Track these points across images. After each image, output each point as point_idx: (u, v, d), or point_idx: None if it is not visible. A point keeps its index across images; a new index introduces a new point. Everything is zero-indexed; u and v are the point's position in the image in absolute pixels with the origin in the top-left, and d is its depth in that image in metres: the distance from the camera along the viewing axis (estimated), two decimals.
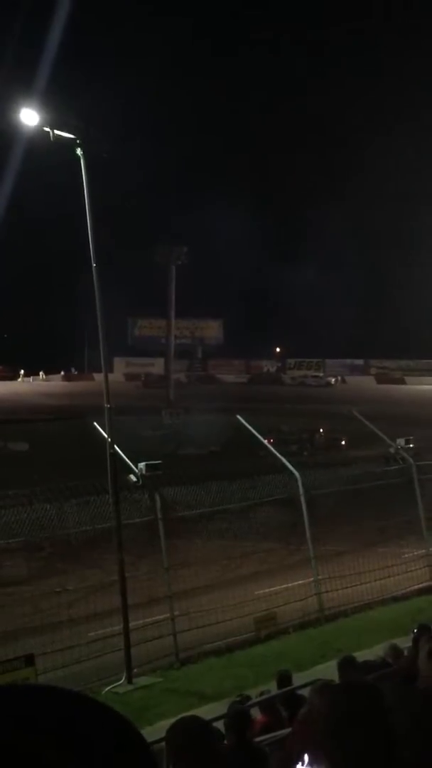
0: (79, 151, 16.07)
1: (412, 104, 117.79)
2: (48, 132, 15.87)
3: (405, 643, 10.93)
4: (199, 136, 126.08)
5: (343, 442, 38.13)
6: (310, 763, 2.28)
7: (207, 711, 10.75)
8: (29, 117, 16.14)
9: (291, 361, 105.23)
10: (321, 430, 43.31)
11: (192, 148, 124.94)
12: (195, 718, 4.84)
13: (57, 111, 16.37)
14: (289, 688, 10.84)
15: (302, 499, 19.24)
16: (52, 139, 15.88)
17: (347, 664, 9.57)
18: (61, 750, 0.99)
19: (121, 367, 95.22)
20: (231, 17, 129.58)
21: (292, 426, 43.89)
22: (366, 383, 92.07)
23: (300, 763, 2.32)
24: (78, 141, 16.01)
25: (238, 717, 7.41)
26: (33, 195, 75.83)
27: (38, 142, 16.63)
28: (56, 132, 15.85)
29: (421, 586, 20.21)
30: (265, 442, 21.15)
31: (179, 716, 5.01)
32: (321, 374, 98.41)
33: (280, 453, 20.69)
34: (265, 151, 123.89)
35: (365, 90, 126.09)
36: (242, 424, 21.85)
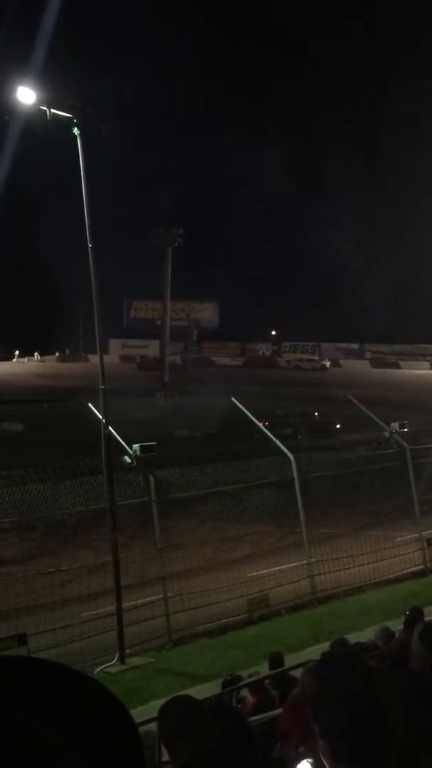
0: (75, 131, 15.98)
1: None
2: (44, 111, 15.79)
3: (397, 626, 10.98)
4: (196, 115, 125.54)
5: (338, 426, 38.17)
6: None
7: (199, 691, 10.80)
8: (26, 95, 16.05)
9: (286, 345, 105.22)
10: (316, 414, 43.33)
11: (190, 127, 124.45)
12: (187, 698, 4.85)
13: (54, 89, 16.27)
14: (280, 669, 10.89)
15: (296, 481, 19.27)
16: (48, 118, 15.80)
17: (339, 647, 9.62)
18: (39, 719, 0.99)
19: (116, 348, 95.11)
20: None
21: (288, 409, 43.91)
22: (361, 367, 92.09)
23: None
24: (74, 120, 15.92)
25: (219, 706, 7.43)
26: (29, 175, 75.47)
27: (35, 120, 16.53)
28: (53, 111, 15.76)
29: (413, 569, 20.28)
30: (260, 425, 21.14)
31: (171, 696, 5.03)
32: (316, 358, 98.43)
33: (275, 436, 20.69)
34: (259, 136, 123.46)
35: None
36: (237, 406, 21.84)
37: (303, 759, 3.88)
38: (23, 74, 17.01)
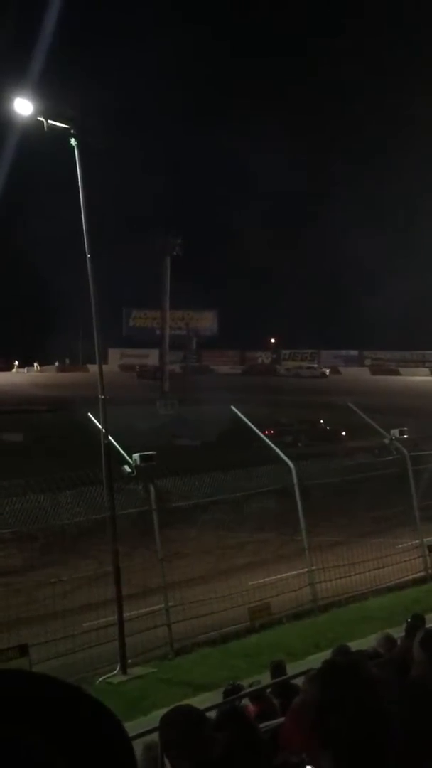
0: (73, 142, 16.02)
1: None
2: (42, 122, 15.82)
3: (399, 633, 10.96)
4: (194, 126, 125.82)
5: (344, 433, 38.15)
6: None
7: (201, 701, 10.78)
8: (23, 107, 16.08)
9: (286, 352, 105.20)
10: (321, 421, 43.28)
11: (188, 137, 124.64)
12: (189, 708, 4.85)
13: (51, 101, 16.30)
14: (282, 677, 10.86)
15: (296, 489, 19.26)
16: (46, 129, 15.83)
17: (341, 654, 9.60)
18: (32, 732, 0.99)
19: (115, 358, 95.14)
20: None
21: (291, 417, 43.90)
22: (360, 374, 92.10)
23: None
24: (72, 131, 15.96)
25: (232, 714, 7.42)
26: (27, 185, 75.61)
27: (33, 132, 16.56)
28: (50, 122, 15.79)
29: (415, 576, 20.27)
30: (260, 433, 21.11)
31: (173, 706, 5.02)
32: (315, 365, 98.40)
33: (276, 444, 20.69)
34: (259, 145, 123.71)
35: None
36: (237, 415, 21.85)
37: (306, 766, 3.87)
38: (20, 85, 17.05)
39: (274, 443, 20.60)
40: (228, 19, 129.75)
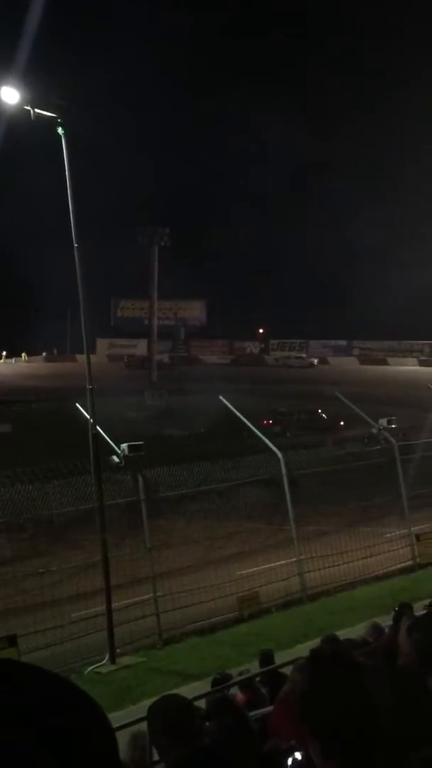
0: (60, 130, 15.95)
1: None
2: (29, 110, 15.74)
3: (387, 621, 11.00)
4: (184, 114, 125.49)
5: (342, 423, 38.12)
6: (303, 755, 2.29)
7: (190, 690, 10.81)
8: (10, 95, 15.99)
9: (274, 342, 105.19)
10: (320, 411, 43.16)
11: (177, 125, 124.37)
12: (176, 697, 4.86)
13: (38, 89, 16.22)
14: (271, 666, 10.90)
15: (284, 479, 19.29)
16: (32, 117, 15.75)
17: (329, 643, 9.63)
18: (10, 722, 0.98)
19: (103, 348, 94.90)
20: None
21: (290, 407, 43.83)
22: (349, 364, 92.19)
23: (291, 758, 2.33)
24: (59, 120, 15.88)
25: (222, 703, 7.43)
26: (13, 174, 75.30)
27: (20, 120, 16.47)
28: (37, 111, 15.72)
29: (402, 565, 20.34)
30: (248, 423, 21.09)
31: (161, 695, 5.02)
32: (304, 355, 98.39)
33: (264, 434, 20.71)
34: (247, 134, 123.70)
35: None
36: (225, 405, 21.84)
37: (294, 753, 3.88)
38: (7, 74, 16.95)
39: (262, 433, 20.61)
40: (217, 10, 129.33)
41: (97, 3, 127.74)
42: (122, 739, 8.61)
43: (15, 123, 16.66)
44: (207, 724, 6.88)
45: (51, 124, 15.94)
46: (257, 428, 21.19)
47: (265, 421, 37.11)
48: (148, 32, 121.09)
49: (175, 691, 10.31)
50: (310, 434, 35.41)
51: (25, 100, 15.81)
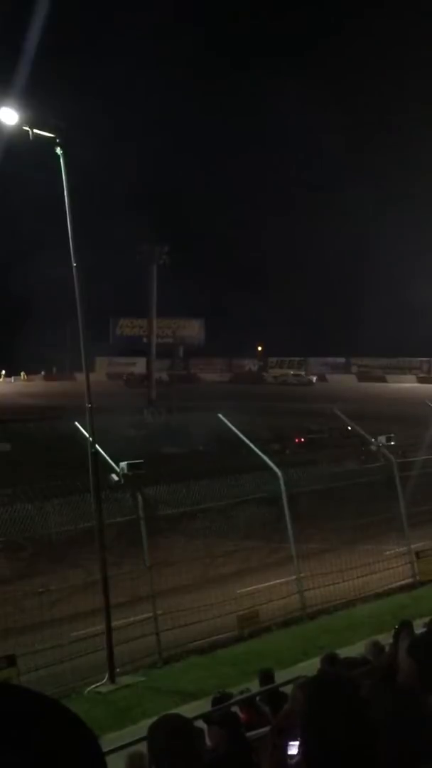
0: (58, 150, 16.02)
1: None
2: (27, 131, 15.81)
3: (387, 639, 10.97)
4: (182, 132, 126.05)
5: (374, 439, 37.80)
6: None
7: (190, 709, 10.77)
8: (8, 116, 16.07)
9: (273, 360, 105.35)
10: (349, 428, 42.67)
11: (176, 146, 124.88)
12: (177, 716, 4.85)
13: (37, 110, 16.30)
14: (271, 685, 10.87)
15: (284, 496, 19.28)
16: (31, 138, 15.82)
17: (330, 662, 9.61)
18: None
19: (103, 366, 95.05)
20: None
21: (321, 424, 43.38)
22: (347, 381, 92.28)
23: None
24: (57, 140, 15.96)
25: (229, 716, 7.43)
26: (11, 193, 75.54)
27: (18, 141, 16.55)
28: (35, 131, 15.79)
29: (402, 583, 20.28)
30: (246, 440, 21.05)
31: (161, 714, 5.02)
32: (302, 373, 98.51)
33: (263, 452, 20.71)
34: (244, 152, 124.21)
35: None
36: (224, 422, 21.84)
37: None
38: (5, 94, 17.04)
39: (261, 451, 20.62)
40: (217, 27, 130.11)
41: (97, 23, 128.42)
42: (120, 760, 8.58)
43: (14, 143, 16.75)
44: (207, 741, 6.87)
45: (49, 144, 16.02)
46: (260, 447, 21.17)
47: (297, 439, 36.96)
48: (147, 52, 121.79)
49: (175, 710, 10.29)
50: (311, 452, 35.37)
51: (23, 121, 15.89)
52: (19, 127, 15.92)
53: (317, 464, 25.09)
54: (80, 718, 1.12)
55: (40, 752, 1.02)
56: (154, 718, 4.55)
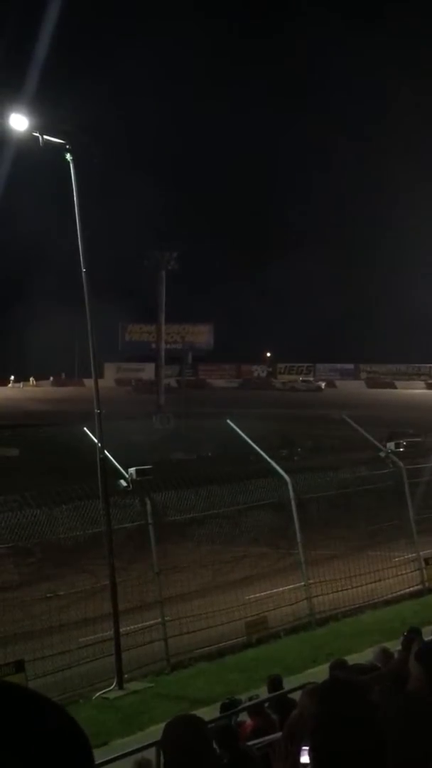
0: (68, 157, 16.05)
1: None
2: (38, 137, 15.84)
3: (396, 646, 10.94)
4: (193, 138, 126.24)
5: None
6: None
7: (199, 715, 10.72)
8: (19, 122, 16.11)
9: (281, 366, 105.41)
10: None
11: (185, 155, 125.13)
12: (193, 717, 4.83)
13: (47, 116, 16.33)
14: (279, 692, 10.85)
15: (292, 502, 19.24)
16: (41, 144, 15.86)
17: (338, 668, 9.58)
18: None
19: (111, 372, 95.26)
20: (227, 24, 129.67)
21: (408, 428, 42.79)
22: (356, 388, 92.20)
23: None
24: (67, 146, 15.99)
25: (225, 731, 7.40)
26: (23, 199, 75.73)
27: (28, 147, 16.59)
28: (46, 137, 15.82)
29: (411, 589, 20.22)
30: (255, 446, 21.00)
31: (178, 714, 5.01)
32: (311, 379, 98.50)
33: (271, 457, 20.69)
34: (254, 156, 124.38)
35: None
36: (233, 428, 21.81)
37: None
38: (16, 100, 17.08)
39: (269, 457, 20.59)
40: (225, 31, 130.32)
41: (108, 29, 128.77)
42: (128, 766, 8.58)
43: (24, 149, 16.78)
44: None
45: (59, 150, 16.05)
46: (269, 453, 21.14)
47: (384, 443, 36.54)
48: (157, 58, 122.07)
49: None
50: (319, 457, 35.34)
51: (33, 127, 15.92)
52: (29, 133, 15.95)
53: (326, 470, 25.02)
54: (72, 718, 1.11)
55: (23, 749, 1.02)
56: (162, 725, 4.54)
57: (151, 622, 16.55)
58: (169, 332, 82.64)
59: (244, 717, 10.15)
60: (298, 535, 19.12)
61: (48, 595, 17.70)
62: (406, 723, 3.15)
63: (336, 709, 2.34)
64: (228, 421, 21.99)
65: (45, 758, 1.03)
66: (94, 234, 17.84)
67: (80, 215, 16.39)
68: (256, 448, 20.91)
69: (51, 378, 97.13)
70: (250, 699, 10.94)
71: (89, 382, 19.59)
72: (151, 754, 8.92)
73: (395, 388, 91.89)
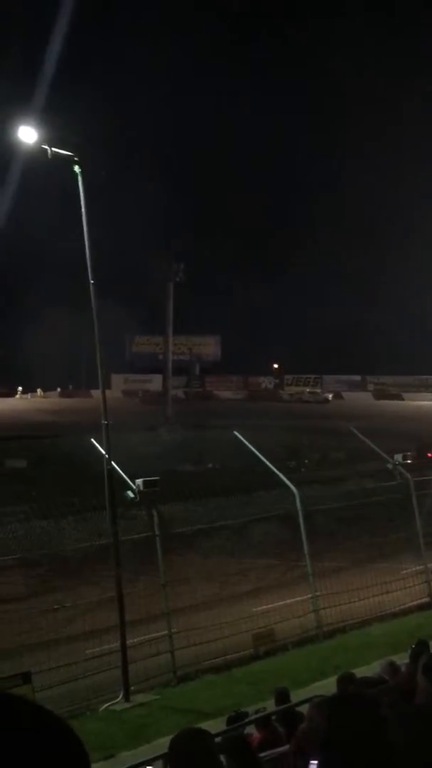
0: (76, 169, 16.13)
1: None
2: (46, 149, 15.93)
3: (404, 659, 10.90)
4: (200, 152, 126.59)
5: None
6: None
7: (205, 728, 10.69)
8: (27, 134, 16.20)
9: (288, 377, 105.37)
10: None
11: (191, 167, 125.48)
12: (200, 730, 4.82)
13: (55, 128, 16.42)
14: (287, 705, 10.81)
15: (300, 514, 19.22)
16: (49, 156, 15.94)
17: (346, 681, 9.55)
18: None
19: (118, 383, 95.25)
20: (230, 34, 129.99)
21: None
22: (363, 399, 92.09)
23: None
24: (75, 158, 16.07)
25: (237, 741, 7.37)
26: (31, 212, 76.00)
27: (37, 159, 16.67)
28: (54, 149, 15.90)
29: (419, 602, 20.17)
30: (262, 458, 21.00)
31: (184, 726, 5.00)
32: (318, 390, 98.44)
33: (279, 469, 20.67)
34: (260, 168, 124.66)
35: None
36: (240, 440, 21.81)
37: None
38: (25, 113, 17.18)
39: (277, 468, 20.57)
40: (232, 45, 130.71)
41: (116, 42, 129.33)
42: None
43: (32, 161, 16.87)
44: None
45: (67, 162, 16.12)
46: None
47: (429, 454, 36.28)
48: (163, 67, 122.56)
49: None
50: (326, 469, 35.25)
51: (42, 139, 16.01)
52: (38, 145, 16.04)
53: (334, 482, 25.00)
54: (73, 732, 1.12)
55: (21, 763, 1.02)
56: (169, 738, 4.53)
57: (158, 634, 16.53)
58: (176, 343, 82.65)
59: (251, 730, 10.11)
60: (306, 547, 19.09)
61: (55, 606, 17.67)
62: (414, 737, 3.14)
63: (346, 723, 2.33)
64: (235, 432, 22.00)
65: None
66: (101, 246, 17.86)
67: (88, 227, 16.45)
68: (264, 459, 20.90)
69: (58, 389, 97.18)
70: (257, 712, 10.91)
71: (96, 393, 19.62)
72: (157, 766, 8.89)
73: (402, 399, 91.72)
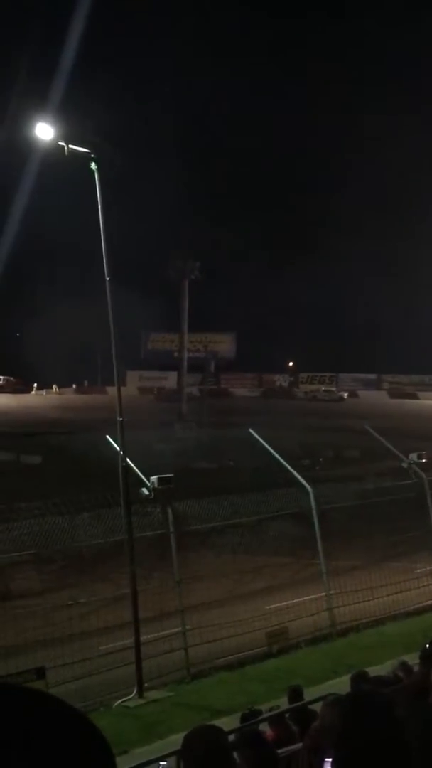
0: (93, 166, 16.15)
1: None
2: (63, 146, 15.96)
3: (416, 659, 10.87)
4: (214, 152, 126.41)
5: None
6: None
7: (219, 725, 10.70)
8: (44, 131, 16.24)
9: (303, 375, 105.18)
10: None
11: (207, 165, 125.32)
12: (213, 727, 4.82)
13: (72, 125, 16.45)
14: (300, 702, 10.80)
15: (314, 513, 19.19)
16: (66, 153, 15.96)
17: (359, 680, 9.54)
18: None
19: (134, 380, 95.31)
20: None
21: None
22: (378, 398, 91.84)
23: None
24: (92, 155, 16.08)
25: (253, 734, 7.37)
26: (48, 208, 76.15)
27: (53, 156, 16.71)
28: (70, 146, 15.93)
29: None
30: (277, 456, 20.98)
31: (196, 725, 4.99)
32: (334, 388, 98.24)
33: (293, 467, 20.65)
34: (274, 167, 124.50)
35: None
36: (255, 438, 21.79)
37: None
38: (42, 110, 17.22)
39: (291, 466, 20.55)
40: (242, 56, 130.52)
41: (132, 38, 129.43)
42: None
43: (49, 158, 16.91)
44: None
45: (84, 159, 16.14)
46: (291, 463, 21.05)
47: None
48: (180, 67, 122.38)
49: None
50: (341, 468, 35.19)
51: (59, 136, 16.04)
52: (54, 142, 16.08)
53: (348, 480, 24.94)
54: (97, 729, 1.11)
55: (43, 756, 1.02)
56: (182, 734, 4.54)
57: (172, 630, 16.55)
58: (191, 341, 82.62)
59: (264, 727, 10.10)
60: (320, 545, 19.07)
61: (69, 602, 17.73)
62: (428, 734, 3.13)
63: (360, 722, 2.33)
64: (250, 430, 21.96)
65: (66, 766, 1.04)
66: (117, 243, 17.89)
67: (104, 224, 16.47)
68: (278, 457, 20.87)
69: (74, 386, 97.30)
70: (271, 709, 10.90)
71: (112, 390, 19.64)
72: (171, 763, 8.90)
73: (417, 398, 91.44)
